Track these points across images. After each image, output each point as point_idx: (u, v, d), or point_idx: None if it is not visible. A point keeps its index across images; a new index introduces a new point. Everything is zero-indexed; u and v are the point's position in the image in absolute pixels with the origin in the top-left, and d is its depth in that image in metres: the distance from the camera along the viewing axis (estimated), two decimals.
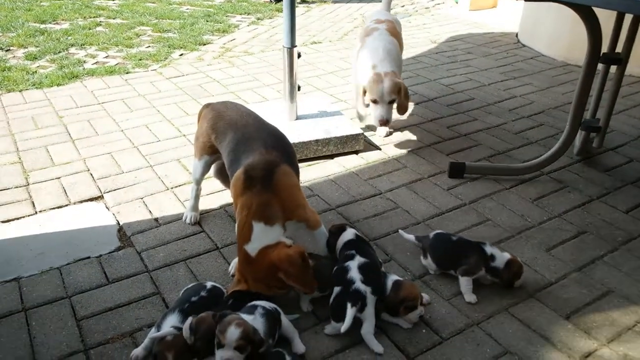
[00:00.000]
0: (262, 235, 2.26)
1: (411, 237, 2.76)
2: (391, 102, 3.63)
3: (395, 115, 3.75)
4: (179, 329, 2.04)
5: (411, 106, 4.45)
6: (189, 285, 2.33)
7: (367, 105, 3.81)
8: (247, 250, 2.26)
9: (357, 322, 2.21)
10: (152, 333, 2.12)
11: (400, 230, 2.83)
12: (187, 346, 2.00)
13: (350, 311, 2.18)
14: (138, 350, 2.13)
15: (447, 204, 3.20)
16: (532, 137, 4.06)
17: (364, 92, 3.69)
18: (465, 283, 2.50)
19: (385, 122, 3.69)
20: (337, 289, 2.30)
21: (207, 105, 2.88)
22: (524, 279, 2.50)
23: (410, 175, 3.52)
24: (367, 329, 2.22)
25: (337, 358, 2.17)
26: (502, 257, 2.48)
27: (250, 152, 2.43)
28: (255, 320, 2.05)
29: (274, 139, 2.54)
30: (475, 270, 2.49)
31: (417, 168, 3.62)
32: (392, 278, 2.37)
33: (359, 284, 2.26)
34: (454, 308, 2.42)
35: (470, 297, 2.46)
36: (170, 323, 2.08)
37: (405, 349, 2.21)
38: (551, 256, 2.76)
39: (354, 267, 2.32)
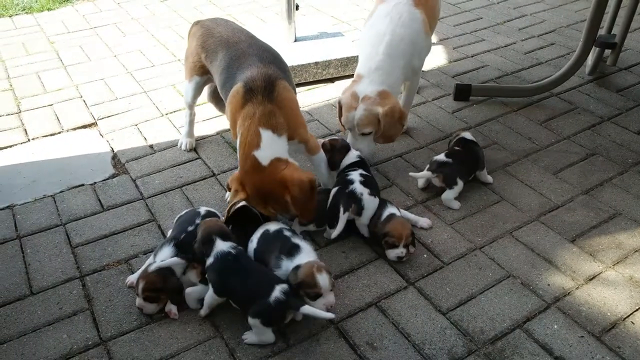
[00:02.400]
0: (272, 143, 2.13)
1: (425, 173, 2.57)
2: (366, 134, 2.62)
3: None
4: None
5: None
6: (183, 212, 2.27)
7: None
8: (257, 157, 2.11)
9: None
10: (149, 262, 2.08)
11: (410, 173, 2.63)
12: (161, 283, 1.96)
13: (342, 217, 2.18)
14: (133, 277, 2.10)
15: (452, 128, 3.08)
16: (542, 57, 3.87)
17: (339, 109, 2.69)
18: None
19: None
20: (334, 190, 2.28)
21: (197, 23, 2.71)
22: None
23: (414, 99, 3.38)
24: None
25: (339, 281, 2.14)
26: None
27: (246, 68, 2.28)
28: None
29: (269, 54, 2.40)
30: None
31: (421, 91, 3.47)
32: (389, 210, 2.28)
33: (357, 185, 2.24)
34: (456, 232, 2.37)
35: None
36: (164, 255, 2.02)
37: (405, 273, 2.17)
38: (558, 179, 2.67)
39: (355, 173, 2.31)
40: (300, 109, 2.38)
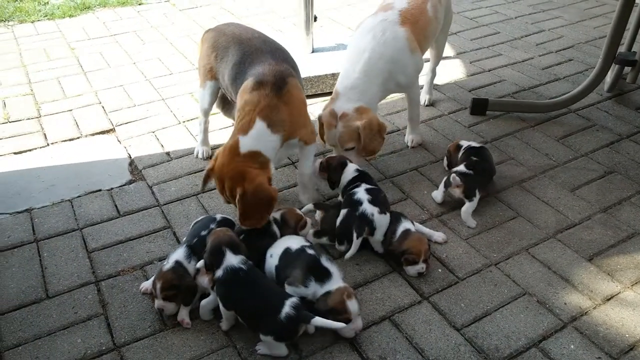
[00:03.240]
0: (261, 137, 2.15)
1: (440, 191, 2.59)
2: (349, 149, 2.64)
3: None
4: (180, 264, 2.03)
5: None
6: (199, 218, 2.28)
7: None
8: (239, 141, 2.14)
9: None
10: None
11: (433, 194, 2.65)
12: (177, 280, 1.97)
13: (355, 242, 2.19)
14: (147, 283, 2.11)
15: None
16: (560, 73, 3.85)
17: (320, 126, 2.72)
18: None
19: None
20: (343, 211, 2.27)
21: (208, 30, 2.76)
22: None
23: (430, 112, 3.38)
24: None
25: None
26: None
27: (258, 64, 2.29)
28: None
29: (282, 53, 2.43)
30: None
31: (438, 104, 3.47)
32: (404, 225, 2.26)
33: (366, 205, 2.23)
34: (471, 248, 2.35)
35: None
36: (176, 256, 2.04)
37: (420, 288, 2.16)
38: (575, 196, 2.65)
39: (360, 191, 2.31)
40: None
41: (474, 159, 2.59)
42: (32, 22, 4.87)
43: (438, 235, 2.38)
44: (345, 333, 1.91)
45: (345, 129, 2.57)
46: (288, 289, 1.95)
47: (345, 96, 2.63)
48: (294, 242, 2.09)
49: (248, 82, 2.24)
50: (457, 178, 2.45)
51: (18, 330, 1.99)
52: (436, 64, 3.42)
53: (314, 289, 1.94)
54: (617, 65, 3.47)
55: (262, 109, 2.15)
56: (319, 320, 1.82)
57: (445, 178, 2.55)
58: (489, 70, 3.90)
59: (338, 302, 1.88)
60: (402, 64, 2.70)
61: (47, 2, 5.27)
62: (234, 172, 2.12)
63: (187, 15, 4.97)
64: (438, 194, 2.60)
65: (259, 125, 2.14)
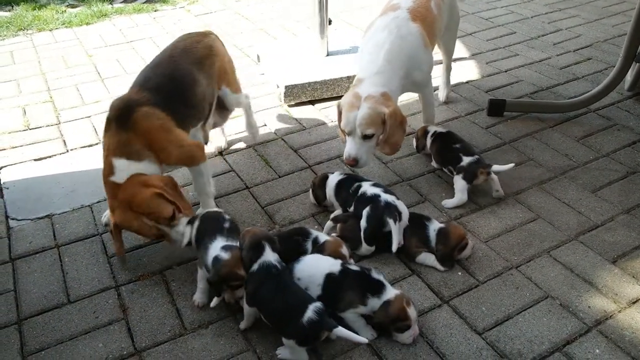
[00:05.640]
0: (129, 169, 2.17)
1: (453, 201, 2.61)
2: (368, 137, 2.49)
3: None
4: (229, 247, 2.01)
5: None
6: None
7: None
8: (114, 182, 2.17)
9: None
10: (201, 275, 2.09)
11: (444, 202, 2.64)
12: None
13: (394, 227, 2.20)
14: (198, 297, 2.11)
15: (486, 143, 3.05)
16: (579, 73, 3.81)
17: (339, 114, 2.59)
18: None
19: (352, 161, 2.52)
20: (366, 210, 2.26)
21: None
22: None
23: (446, 113, 3.36)
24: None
25: None
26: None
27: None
28: None
29: (158, 78, 2.39)
30: None
31: (454, 106, 3.45)
32: (434, 227, 2.26)
33: (385, 195, 2.28)
34: (491, 250, 2.32)
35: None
36: (216, 247, 2.01)
37: (440, 291, 2.14)
38: (597, 197, 2.61)
39: (368, 186, 2.34)
40: (331, 123, 2.36)
41: (457, 146, 2.70)
42: (50, 30, 4.93)
43: (440, 266, 2.26)
44: (404, 340, 1.91)
45: (370, 110, 2.42)
46: (345, 316, 1.93)
47: (370, 80, 2.52)
48: (326, 264, 2.01)
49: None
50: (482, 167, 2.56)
51: (41, 335, 2.01)
52: (449, 59, 3.42)
53: (373, 304, 1.90)
54: (637, 64, 3.41)
55: (113, 149, 2.17)
56: (341, 331, 1.78)
57: (460, 175, 2.59)
58: (506, 71, 3.87)
59: (400, 309, 1.87)
60: (418, 59, 2.69)
61: (65, 11, 5.34)
62: (137, 201, 2.11)
63: (202, 20, 5.00)
64: (463, 196, 2.59)
65: (119, 163, 2.16)
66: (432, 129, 2.85)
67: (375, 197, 2.28)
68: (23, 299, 2.17)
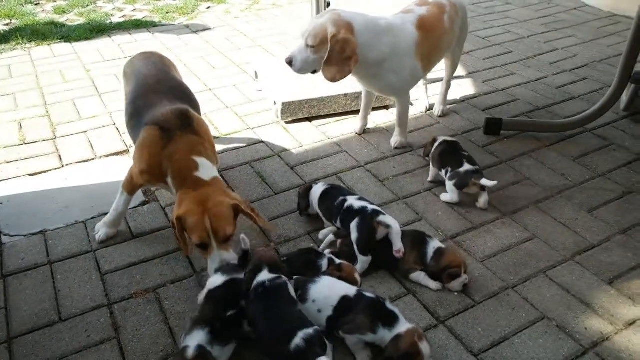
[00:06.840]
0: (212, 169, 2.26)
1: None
2: (310, 47, 2.56)
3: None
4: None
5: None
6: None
7: None
8: (198, 177, 2.20)
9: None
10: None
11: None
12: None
13: (391, 220, 2.26)
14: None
15: (482, 162, 3.03)
16: (575, 92, 3.83)
17: None
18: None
19: (288, 59, 2.64)
20: (355, 222, 2.26)
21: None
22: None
23: (443, 132, 3.36)
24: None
25: None
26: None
27: (154, 107, 2.37)
28: None
29: (178, 89, 2.54)
30: None
31: (451, 124, 3.45)
32: (434, 245, 2.25)
33: (371, 206, 2.31)
34: (487, 270, 2.31)
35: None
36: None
37: (435, 311, 2.12)
38: (593, 217, 2.61)
39: (353, 200, 2.35)
40: (329, 139, 2.38)
41: (464, 153, 2.76)
42: (48, 45, 4.94)
43: (433, 284, 2.23)
44: None
45: (320, 24, 2.53)
46: (348, 338, 1.90)
47: (354, 14, 2.61)
48: (343, 286, 1.99)
49: (151, 133, 2.28)
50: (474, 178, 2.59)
51: (31, 354, 1.98)
52: (451, 75, 3.44)
53: (383, 335, 1.85)
54: (633, 84, 3.44)
55: (191, 150, 2.23)
56: None
57: (453, 180, 2.64)
58: (502, 90, 3.89)
59: (411, 345, 1.79)
60: (399, 62, 2.74)
61: (64, 25, 5.36)
62: (214, 202, 2.11)
63: (201, 37, 5.02)
64: (454, 195, 2.66)
65: (201, 161, 2.22)
66: (441, 137, 2.90)
67: (363, 208, 2.29)
68: (14, 316, 2.14)
